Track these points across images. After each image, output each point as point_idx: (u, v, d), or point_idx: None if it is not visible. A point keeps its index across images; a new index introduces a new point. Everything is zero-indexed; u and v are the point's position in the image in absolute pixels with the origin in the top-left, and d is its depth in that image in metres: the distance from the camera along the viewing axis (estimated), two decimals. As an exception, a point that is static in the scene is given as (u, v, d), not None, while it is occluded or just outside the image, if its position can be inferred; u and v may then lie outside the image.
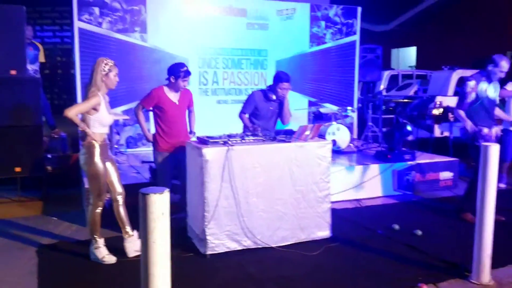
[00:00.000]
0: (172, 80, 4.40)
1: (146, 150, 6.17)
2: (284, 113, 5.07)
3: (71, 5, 6.58)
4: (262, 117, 5.07)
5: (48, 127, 7.28)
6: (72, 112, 3.54)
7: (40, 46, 7.69)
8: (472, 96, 4.76)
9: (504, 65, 4.70)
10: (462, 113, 4.82)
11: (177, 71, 4.37)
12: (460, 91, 4.89)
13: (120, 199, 3.91)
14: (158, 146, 4.49)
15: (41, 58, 7.63)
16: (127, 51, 6.90)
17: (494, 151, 3.48)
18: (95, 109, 3.65)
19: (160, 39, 7.09)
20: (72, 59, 6.63)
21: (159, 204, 2.11)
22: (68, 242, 4.28)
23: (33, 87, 5.72)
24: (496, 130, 4.93)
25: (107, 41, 6.77)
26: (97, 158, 3.70)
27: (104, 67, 3.68)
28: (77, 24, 6.56)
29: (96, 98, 3.63)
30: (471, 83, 4.74)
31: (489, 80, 4.80)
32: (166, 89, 4.47)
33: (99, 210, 3.81)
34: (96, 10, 6.68)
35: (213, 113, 7.31)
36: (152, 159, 4.94)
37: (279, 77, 4.90)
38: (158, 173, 4.54)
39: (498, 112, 5.10)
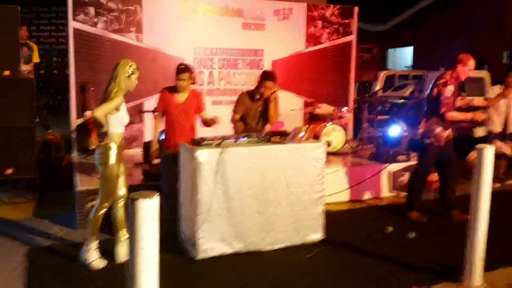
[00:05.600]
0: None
1: (139, 152, 6.12)
2: (270, 113, 4.96)
3: (66, 6, 6.54)
4: (251, 118, 5.04)
5: (42, 128, 7.25)
6: (101, 113, 3.59)
7: (34, 46, 7.65)
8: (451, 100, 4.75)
9: (472, 64, 4.78)
10: (454, 114, 4.77)
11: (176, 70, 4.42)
12: (441, 96, 4.70)
13: (122, 201, 3.90)
14: (163, 146, 4.53)
15: (35, 58, 7.59)
16: (122, 51, 6.84)
17: (489, 153, 3.46)
18: (116, 108, 3.69)
19: (155, 39, 7.04)
20: (67, 59, 6.57)
21: (149, 209, 2.08)
22: (59, 245, 4.24)
23: (26, 87, 5.68)
24: (449, 132, 4.94)
25: (102, 41, 6.73)
26: (114, 160, 3.70)
27: (128, 69, 3.73)
28: (72, 24, 6.50)
29: (120, 98, 3.69)
30: (451, 88, 4.72)
31: (458, 81, 4.85)
32: (172, 88, 4.55)
33: (103, 211, 3.78)
34: (92, 10, 6.63)
35: (208, 114, 7.25)
36: (143, 160, 4.90)
37: (263, 76, 4.91)
38: (161, 173, 4.59)
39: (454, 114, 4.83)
